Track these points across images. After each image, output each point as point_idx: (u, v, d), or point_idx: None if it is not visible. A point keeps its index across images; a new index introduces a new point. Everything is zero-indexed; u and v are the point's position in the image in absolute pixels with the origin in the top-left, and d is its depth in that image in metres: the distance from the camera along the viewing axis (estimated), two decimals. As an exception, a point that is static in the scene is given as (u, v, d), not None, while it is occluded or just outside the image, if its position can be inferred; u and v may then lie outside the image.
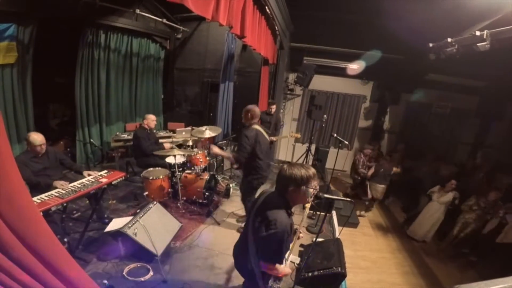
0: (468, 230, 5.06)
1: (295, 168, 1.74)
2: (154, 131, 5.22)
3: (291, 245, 2.11)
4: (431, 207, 5.48)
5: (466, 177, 6.01)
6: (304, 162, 5.64)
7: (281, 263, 1.81)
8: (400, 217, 6.69)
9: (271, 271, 1.79)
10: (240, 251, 2.01)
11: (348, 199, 2.34)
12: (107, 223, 3.26)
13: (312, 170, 1.75)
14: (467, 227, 5.07)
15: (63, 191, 2.81)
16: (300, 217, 4.35)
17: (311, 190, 1.72)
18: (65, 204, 2.70)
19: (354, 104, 8.18)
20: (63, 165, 3.59)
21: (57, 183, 3.04)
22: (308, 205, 2.25)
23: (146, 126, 4.90)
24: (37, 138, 3.22)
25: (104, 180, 3.19)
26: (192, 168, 4.79)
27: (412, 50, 6.10)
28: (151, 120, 4.94)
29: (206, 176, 4.45)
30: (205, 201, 4.41)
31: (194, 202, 4.44)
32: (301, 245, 3.58)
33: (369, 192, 6.37)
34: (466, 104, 7.37)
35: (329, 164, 7.36)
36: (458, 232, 5.18)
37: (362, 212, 6.54)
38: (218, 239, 3.71)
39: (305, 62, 7.25)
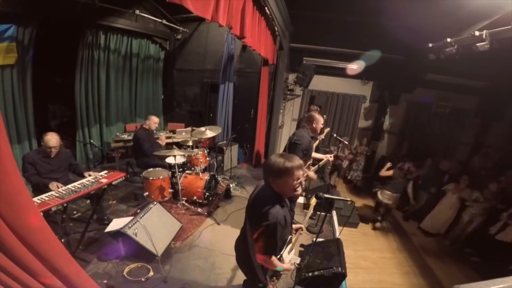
0: (474, 224, 5.14)
1: (275, 158, 1.74)
2: (154, 131, 5.22)
3: (293, 239, 2.12)
4: (446, 202, 5.58)
5: (471, 174, 6.01)
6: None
7: (276, 254, 1.82)
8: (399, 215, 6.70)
9: (266, 263, 1.81)
10: (240, 245, 2.03)
11: (348, 199, 2.34)
12: (107, 224, 3.26)
13: (296, 162, 1.71)
14: (472, 222, 5.17)
15: (63, 192, 2.81)
16: (301, 216, 4.39)
17: (292, 182, 1.70)
18: (65, 205, 2.70)
19: (354, 104, 8.19)
20: (69, 169, 3.61)
21: (52, 185, 3.03)
22: (312, 204, 2.26)
23: (147, 127, 4.91)
24: (50, 139, 3.21)
25: (104, 180, 3.19)
26: (192, 169, 4.80)
27: (412, 50, 6.11)
28: (153, 122, 4.96)
29: (206, 177, 4.46)
30: (205, 201, 4.42)
31: (194, 202, 4.44)
32: (302, 245, 3.59)
33: (379, 195, 5.89)
34: (466, 104, 7.37)
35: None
36: (465, 225, 5.28)
37: (377, 224, 6.05)
38: (218, 239, 3.71)
39: (304, 62, 7.25)
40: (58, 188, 2.95)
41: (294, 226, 2.19)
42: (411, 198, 6.15)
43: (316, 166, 3.89)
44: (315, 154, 3.97)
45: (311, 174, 3.63)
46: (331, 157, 4.13)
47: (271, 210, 1.67)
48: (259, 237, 1.75)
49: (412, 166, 5.81)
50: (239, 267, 2.15)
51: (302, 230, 2.24)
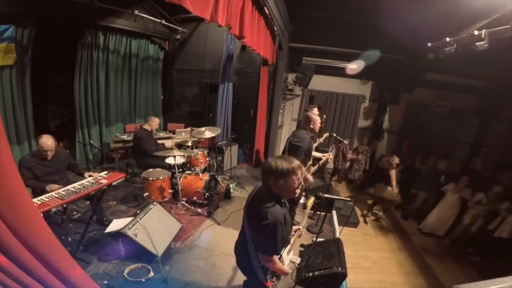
0: (477, 225, 5.15)
1: (274, 161, 1.74)
2: (154, 132, 5.23)
3: (291, 240, 2.12)
4: (446, 203, 5.58)
5: (471, 175, 6.02)
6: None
7: (277, 254, 1.81)
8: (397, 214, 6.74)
9: (267, 263, 1.80)
10: (240, 247, 2.03)
11: (349, 199, 2.35)
12: (107, 224, 3.25)
13: (295, 163, 1.71)
14: (474, 223, 5.18)
15: (63, 192, 2.81)
16: (301, 216, 4.38)
17: (293, 184, 1.70)
18: (65, 205, 2.69)
19: (353, 104, 8.19)
20: (68, 169, 3.59)
21: (49, 187, 3.00)
22: (309, 205, 2.26)
23: (148, 128, 4.91)
24: (45, 142, 3.15)
25: (104, 181, 3.18)
26: (192, 169, 4.79)
27: (411, 50, 6.11)
28: (156, 123, 4.99)
29: (206, 177, 4.46)
30: (205, 202, 4.41)
31: (194, 202, 4.44)
32: (302, 245, 3.58)
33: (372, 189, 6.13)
34: (466, 104, 7.38)
35: (329, 164, 7.35)
36: (468, 226, 5.28)
37: (365, 212, 6.37)
38: (218, 239, 3.70)
39: (304, 62, 7.25)
40: (55, 187, 2.92)
41: (292, 228, 2.18)
42: (393, 185, 5.72)
43: (316, 166, 3.89)
44: (314, 153, 3.98)
45: (309, 177, 3.63)
46: (329, 155, 4.13)
47: (270, 209, 1.67)
48: (259, 237, 1.76)
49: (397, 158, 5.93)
50: (240, 269, 2.15)
51: (300, 231, 2.24)
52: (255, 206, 1.75)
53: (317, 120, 3.63)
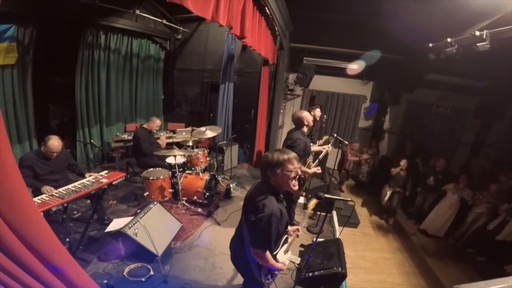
0: (478, 224, 5.11)
1: (271, 153, 1.81)
2: (154, 131, 5.23)
3: (289, 239, 2.12)
4: (446, 202, 5.55)
5: (470, 175, 6.00)
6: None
7: (270, 249, 1.82)
8: (399, 215, 6.72)
9: (259, 258, 1.80)
10: (236, 243, 2.04)
11: (349, 199, 2.35)
12: (108, 224, 3.26)
13: (290, 154, 1.77)
14: (477, 221, 5.13)
15: (64, 192, 2.81)
16: (301, 216, 4.39)
17: (289, 174, 1.74)
18: (65, 205, 2.70)
19: (354, 104, 8.18)
20: (68, 169, 3.59)
21: (44, 188, 2.98)
22: (311, 206, 2.25)
23: (147, 128, 4.91)
24: (53, 143, 3.17)
25: (104, 180, 3.19)
26: (193, 169, 4.80)
27: (412, 50, 6.09)
28: (155, 125, 4.99)
29: (206, 177, 4.47)
30: (205, 201, 4.42)
31: (194, 202, 4.45)
32: (302, 245, 3.59)
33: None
34: (466, 104, 7.36)
35: (329, 164, 7.36)
36: (469, 225, 5.25)
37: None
38: (219, 239, 3.71)
39: (305, 62, 7.24)
40: (50, 191, 2.91)
41: (291, 228, 2.19)
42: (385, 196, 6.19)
43: (317, 160, 3.90)
44: (313, 148, 3.97)
45: (310, 170, 3.61)
46: (328, 147, 4.13)
47: (266, 202, 1.70)
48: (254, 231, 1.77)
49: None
50: (235, 266, 2.16)
51: (299, 231, 2.23)
52: (252, 200, 1.78)
53: (309, 117, 3.64)
